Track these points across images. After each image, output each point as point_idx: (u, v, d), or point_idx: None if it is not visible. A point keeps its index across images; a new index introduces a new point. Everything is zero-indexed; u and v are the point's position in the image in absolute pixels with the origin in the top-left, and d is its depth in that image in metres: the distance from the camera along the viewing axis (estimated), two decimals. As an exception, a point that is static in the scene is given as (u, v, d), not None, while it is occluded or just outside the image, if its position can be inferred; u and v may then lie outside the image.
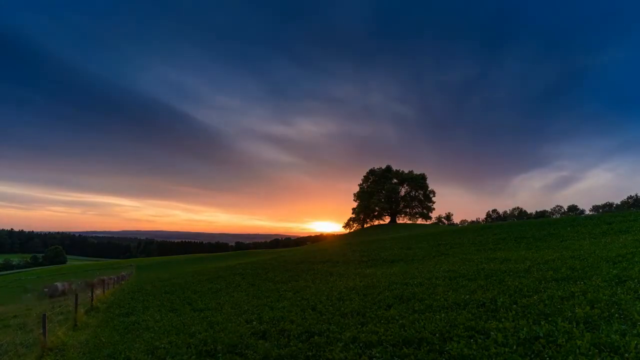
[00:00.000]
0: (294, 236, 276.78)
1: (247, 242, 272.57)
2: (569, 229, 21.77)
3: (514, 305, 7.20)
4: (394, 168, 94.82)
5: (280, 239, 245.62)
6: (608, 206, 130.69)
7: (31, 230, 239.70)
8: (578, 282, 8.33)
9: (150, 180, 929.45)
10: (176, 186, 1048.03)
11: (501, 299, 7.76)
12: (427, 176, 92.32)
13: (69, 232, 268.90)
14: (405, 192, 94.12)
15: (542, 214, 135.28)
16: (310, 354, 6.27)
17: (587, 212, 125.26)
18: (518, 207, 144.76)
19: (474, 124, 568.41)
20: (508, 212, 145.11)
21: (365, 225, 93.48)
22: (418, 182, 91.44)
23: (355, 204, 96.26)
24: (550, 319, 6.09)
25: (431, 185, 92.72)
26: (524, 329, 5.72)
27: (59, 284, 29.14)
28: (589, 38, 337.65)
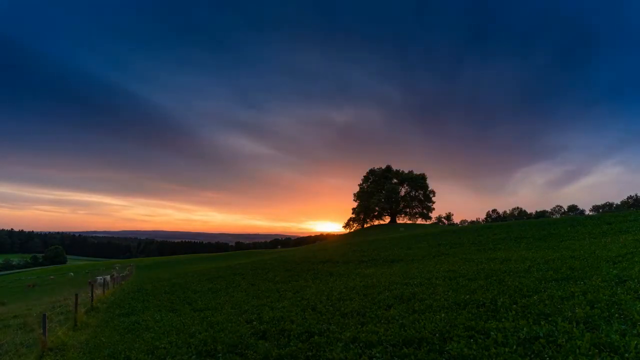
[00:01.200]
0: (294, 236, 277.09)
1: (247, 242, 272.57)
2: (569, 229, 21.77)
3: (514, 305, 7.20)
4: (394, 168, 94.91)
5: (280, 239, 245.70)
6: (608, 206, 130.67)
7: (31, 230, 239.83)
8: (578, 282, 8.33)
9: (122, 175, 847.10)
10: (157, 183, 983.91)
11: (501, 299, 7.76)
12: (426, 175, 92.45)
13: (69, 232, 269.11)
14: (405, 192, 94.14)
15: (542, 214, 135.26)
16: (310, 354, 6.28)
17: (587, 212, 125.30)
18: (518, 207, 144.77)
19: (467, 106, 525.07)
20: (508, 212, 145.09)
21: (365, 225, 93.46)
22: (418, 182, 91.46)
23: (355, 204, 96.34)
24: (550, 319, 6.09)
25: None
26: (524, 329, 5.73)
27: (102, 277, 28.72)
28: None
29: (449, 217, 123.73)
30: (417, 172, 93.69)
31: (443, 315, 7.27)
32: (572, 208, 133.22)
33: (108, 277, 26.50)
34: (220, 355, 6.90)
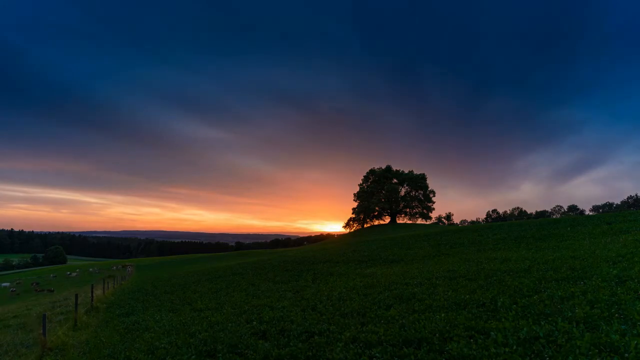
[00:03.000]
0: (294, 236, 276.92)
1: (247, 242, 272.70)
2: (569, 229, 21.78)
3: (514, 305, 7.20)
4: (394, 168, 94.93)
5: (280, 239, 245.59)
6: (608, 206, 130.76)
7: (31, 230, 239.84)
8: (578, 282, 8.33)
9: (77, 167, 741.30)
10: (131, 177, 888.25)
11: (501, 299, 7.76)
12: (426, 175, 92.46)
13: (69, 232, 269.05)
14: (405, 192, 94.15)
15: (542, 214, 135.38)
16: (310, 354, 6.27)
17: (587, 212, 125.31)
18: (518, 207, 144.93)
19: (458, 75, 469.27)
20: (508, 212, 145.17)
21: (365, 225, 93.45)
22: (418, 182, 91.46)
23: (355, 204, 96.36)
24: (550, 319, 6.09)
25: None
26: (524, 329, 5.72)
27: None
28: None
29: (449, 217, 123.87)
30: (417, 172, 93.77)
31: (443, 315, 7.27)
32: (572, 208, 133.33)
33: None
34: (220, 355, 6.89)
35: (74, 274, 54.76)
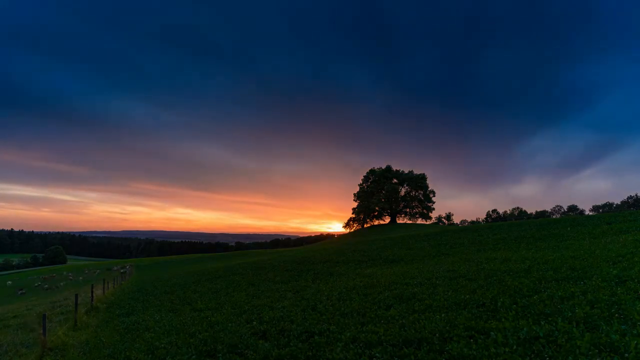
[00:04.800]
0: (294, 236, 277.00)
1: (247, 242, 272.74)
2: (569, 229, 21.78)
3: (514, 305, 7.20)
4: (394, 168, 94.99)
5: (280, 239, 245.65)
6: (608, 206, 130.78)
7: (31, 230, 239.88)
8: (578, 282, 8.33)
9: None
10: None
11: (501, 299, 7.76)
12: (426, 175, 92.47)
13: (69, 232, 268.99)
14: (405, 192, 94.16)
15: (542, 214, 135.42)
16: (310, 354, 6.27)
17: (587, 212, 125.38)
18: (518, 207, 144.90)
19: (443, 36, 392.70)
20: (508, 212, 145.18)
21: (365, 225, 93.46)
22: (418, 182, 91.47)
23: (355, 204, 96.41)
24: (550, 319, 6.09)
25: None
26: (524, 329, 5.73)
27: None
28: None
29: (449, 217, 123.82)
30: (417, 172, 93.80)
31: (443, 315, 7.27)
32: (572, 208, 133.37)
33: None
34: (220, 355, 6.89)
35: (80, 277, 54.58)
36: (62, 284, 43.56)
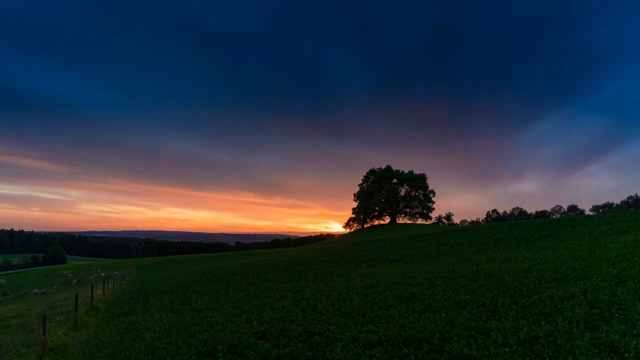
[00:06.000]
0: (294, 236, 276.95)
1: (247, 242, 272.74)
2: (569, 229, 21.78)
3: (514, 305, 7.20)
4: (394, 168, 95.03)
5: (280, 239, 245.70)
6: (608, 206, 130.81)
7: (31, 230, 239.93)
8: (578, 282, 8.34)
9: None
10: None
11: (501, 299, 7.77)
12: (426, 175, 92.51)
13: (69, 232, 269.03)
14: (405, 192, 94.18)
15: (542, 214, 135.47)
16: (310, 354, 6.27)
17: (587, 212, 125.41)
18: (518, 207, 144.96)
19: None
20: (508, 212, 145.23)
21: (365, 225, 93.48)
22: (418, 182, 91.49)
23: (355, 204, 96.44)
24: (550, 319, 6.09)
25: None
26: (524, 329, 5.73)
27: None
28: None
29: (449, 217, 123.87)
30: (417, 172, 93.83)
31: (443, 315, 7.28)
32: (572, 208, 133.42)
33: None
34: (220, 355, 6.89)
35: (102, 274, 54.66)
36: (91, 277, 45.13)
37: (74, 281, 44.14)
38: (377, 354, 5.77)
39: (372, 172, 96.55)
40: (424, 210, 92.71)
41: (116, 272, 44.73)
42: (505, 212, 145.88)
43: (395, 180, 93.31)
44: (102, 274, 46.32)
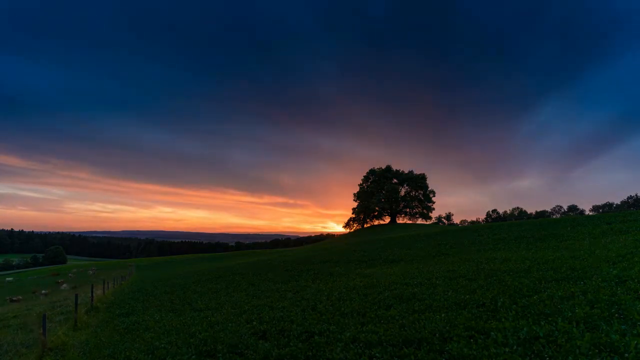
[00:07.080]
0: (294, 236, 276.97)
1: (247, 242, 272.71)
2: (569, 229, 21.77)
3: (514, 305, 7.20)
4: (394, 168, 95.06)
5: (280, 239, 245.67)
6: (608, 206, 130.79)
7: (31, 230, 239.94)
8: (578, 282, 8.34)
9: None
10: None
11: (501, 299, 7.77)
12: (426, 175, 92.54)
13: (69, 232, 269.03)
14: (405, 192, 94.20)
15: (542, 214, 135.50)
16: (310, 354, 6.27)
17: (587, 212, 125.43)
18: (518, 207, 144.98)
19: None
20: (508, 212, 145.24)
21: (365, 225, 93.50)
22: (418, 182, 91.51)
23: (355, 204, 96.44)
24: (550, 319, 6.09)
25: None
26: (524, 329, 5.73)
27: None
28: None
29: (449, 217, 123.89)
30: (417, 172, 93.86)
31: (443, 315, 7.28)
32: (572, 208, 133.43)
33: None
34: (220, 355, 6.89)
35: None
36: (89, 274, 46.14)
37: (62, 286, 43.93)
38: (377, 354, 5.77)
39: (372, 172, 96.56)
40: (424, 210, 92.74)
41: (116, 272, 44.71)
42: (505, 212, 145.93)
43: (395, 180, 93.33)
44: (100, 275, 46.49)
